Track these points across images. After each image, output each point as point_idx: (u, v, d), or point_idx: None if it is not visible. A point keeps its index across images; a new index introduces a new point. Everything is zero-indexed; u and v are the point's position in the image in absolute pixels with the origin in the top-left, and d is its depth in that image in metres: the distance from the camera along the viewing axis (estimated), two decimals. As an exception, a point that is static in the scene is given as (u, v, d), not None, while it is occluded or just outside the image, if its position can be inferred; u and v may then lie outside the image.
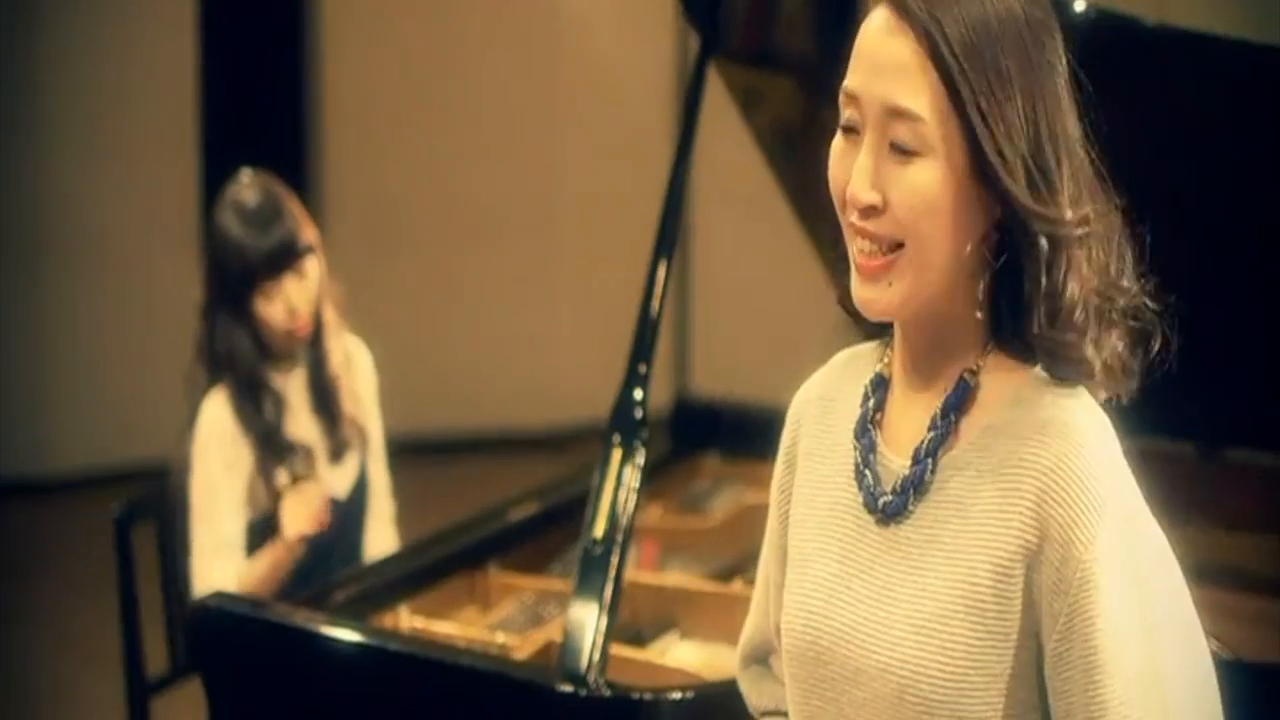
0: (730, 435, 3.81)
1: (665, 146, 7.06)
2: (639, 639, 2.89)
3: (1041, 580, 1.44)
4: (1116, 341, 1.50)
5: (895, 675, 1.48)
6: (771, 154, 3.45)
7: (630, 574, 2.94)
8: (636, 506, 2.55)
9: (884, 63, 1.44)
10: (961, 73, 1.41)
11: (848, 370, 1.67)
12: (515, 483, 7.74)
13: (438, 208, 7.95)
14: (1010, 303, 1.49)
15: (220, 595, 2.82)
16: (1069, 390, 1.49)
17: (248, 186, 3.24)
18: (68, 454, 7.30)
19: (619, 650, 2.61)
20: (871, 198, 1.44)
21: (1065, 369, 1.48)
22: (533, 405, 8.18)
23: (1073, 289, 1.46)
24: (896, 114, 1.43)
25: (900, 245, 1.45)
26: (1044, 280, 1.45)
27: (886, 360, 1.60)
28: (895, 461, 1.55)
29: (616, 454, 2.57)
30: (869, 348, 1.66)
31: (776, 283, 6.91)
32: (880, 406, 1.59)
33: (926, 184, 1.43)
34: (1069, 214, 1.45)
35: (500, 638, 2.82)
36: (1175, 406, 3.28)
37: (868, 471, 1.56)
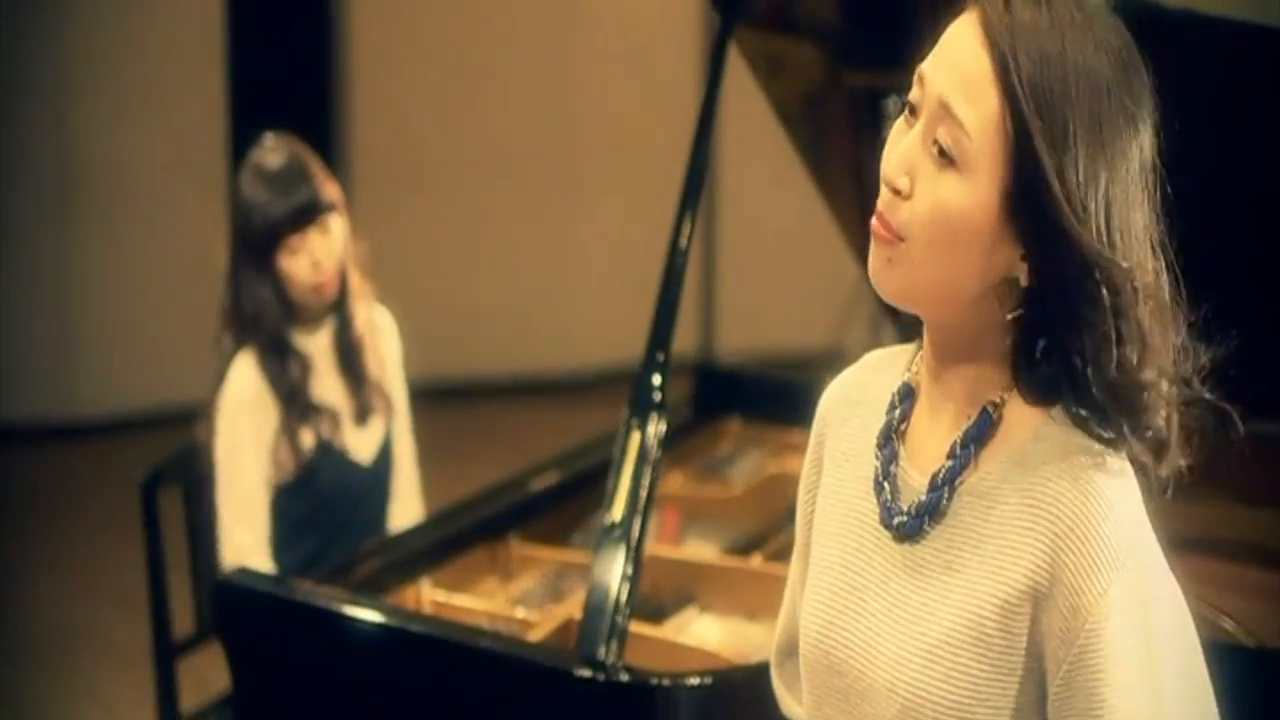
0: (752, 400, 3.82)
1: (691, 88, 7.04)
2: (659, 613, 2.90)
3: (1049, 624, 1.43)
4: (1174, 414, 1.45)
5: (900, 696, 1.49)
6: (790, 121, 3.43)
7: (650, 547, 2.95)
8: (654, 488, 2.56)
9: (955, 63, 1.44)
10: (1025, 109, 1.39)
11: (877, 374, 1.66)
12: (541, 427, 7.79)
13: (464, 152, 7.93)
14: (1045, 353, 1.47)
15: (244, 572, 2.85)
16: (1093, 434, 1.47)
17: (271, 150, 3.25)
18: (96, 399, 7.35)
19: (638, 628, 2.63)
20: (900, 182, 1.44)
21: (1138, 422, 1.44)
22: (559, 350, 8.20)
23: (1139, 350, 1.42)
24: (946, 112, 1.42)
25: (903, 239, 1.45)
26: (1108, 338, 1.41)
27: (915, 370, 1.59)
28: (915, 478, 1.54)
29: (635, 436, 2.58)
30: (901, 351, 1.65)
31: (802, 236, 6.90)
32: (905, 417, 1.58)
33: (950, 198, 1.42)
34: (1125, 263, 1.41)
35: (520, 612, 2.84)
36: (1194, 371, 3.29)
37: (886, 484, 1.56)
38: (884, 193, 1.46)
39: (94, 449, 7.14)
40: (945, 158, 1.42)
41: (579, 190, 8.17)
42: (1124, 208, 1.42)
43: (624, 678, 2.36)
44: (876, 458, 1.58)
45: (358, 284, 3.33)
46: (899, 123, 1.48)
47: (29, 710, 4.94)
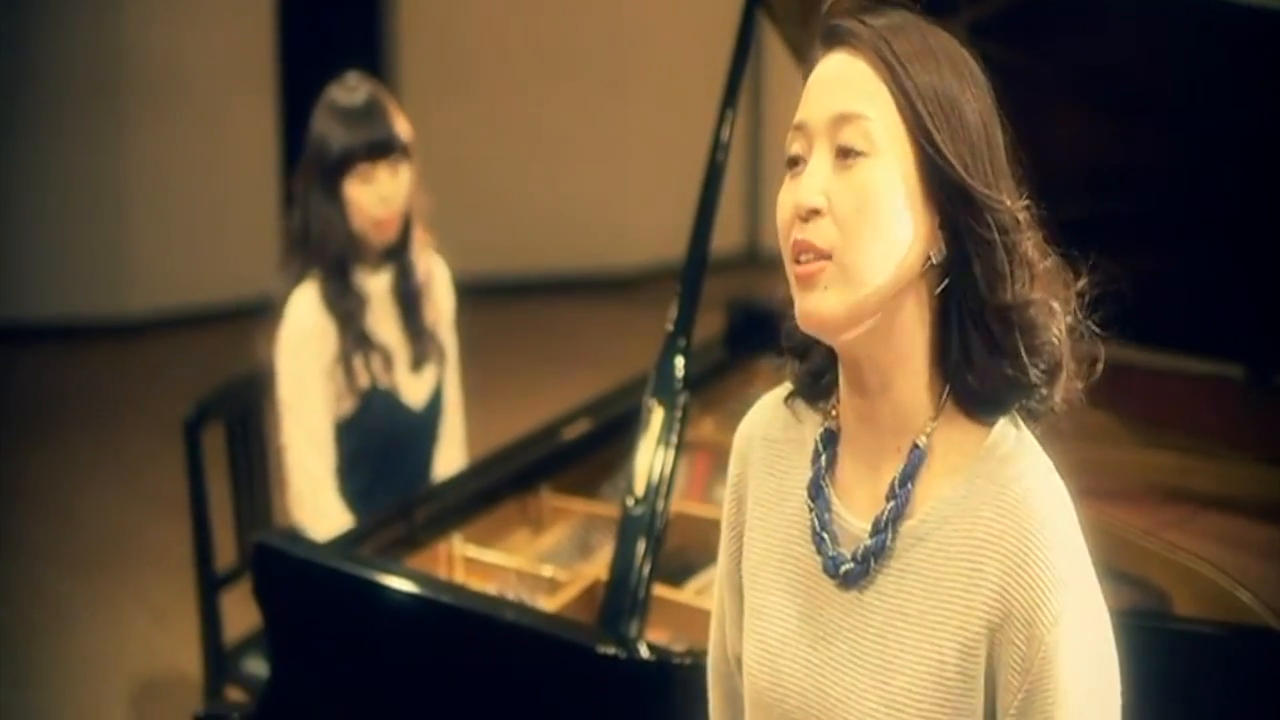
0: (786, 338, 3.82)
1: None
2: (686, 570, 2.95)
3: (1003, 656, 1.48)
4: (1064, 341, 1.55)
5: None
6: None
7: (677, 502, 3.00)
8: (675, 467, 2.60)
9: (834, 83, 1.51)
10: (909, 79, 1.49)
11: (798, 413, 1.67)
12: (589, 323, 7.82)
13: (510, 53, 7.91)
14: (961, 320, 1.53)
15: (281, 535, 2.92)
16: (1024, 456, 1.52)
17: (351, 89, 3.33)
18: (148, 296, 7.43)
19: (661, 591, 2.68)
20: (817, 200, 1.48)
21: (1034, 360, 1.52)
22: (607, 246, 8.22)
23: (1028, 277, 1.51)
24: (844, 119, 1.49)
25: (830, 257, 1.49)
26: (1003, 269, 1.50)
27: (834, 414, 1.61)
28: (853, 524, 1.57)
29: (657, 415, 2.61)
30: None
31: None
32: (831, 464, 1.60)
33: (868, 180, 1.48)
34: (1010, 201, 1.51)
35: (548, 571, 2.90)
36: (1229, 326, 3.29)
37: (825, 535, 1.58)
38: (796, 238, 1.49)
39: (146, 346, 7.23)
40: (852, 154, 1.49)
41: (627, 88, 8.14)
42: (1000, 161, 1.52)
43: (645, 655, 2.42)
44: (810, 509, 1.60)
45: (420, 234, 3.42)
46: (785, 184, 1.52)
47: (78, 614, 5.07)
